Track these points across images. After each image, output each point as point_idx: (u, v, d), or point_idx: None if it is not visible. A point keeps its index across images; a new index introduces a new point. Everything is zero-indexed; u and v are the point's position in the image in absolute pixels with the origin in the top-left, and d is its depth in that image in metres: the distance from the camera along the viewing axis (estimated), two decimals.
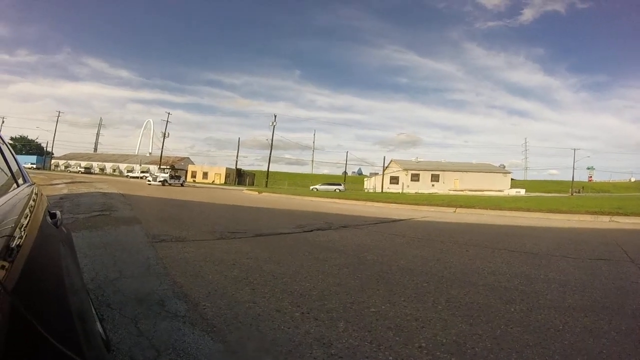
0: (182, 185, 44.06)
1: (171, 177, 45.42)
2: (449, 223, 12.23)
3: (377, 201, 21.77)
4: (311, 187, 57.98)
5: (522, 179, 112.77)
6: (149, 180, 43.76)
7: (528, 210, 16.11)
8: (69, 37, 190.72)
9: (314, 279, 4.51)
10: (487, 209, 17.05)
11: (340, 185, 58.91)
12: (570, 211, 15.30)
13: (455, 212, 16.89)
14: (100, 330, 1.87)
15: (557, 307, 3.76)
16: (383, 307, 3.60)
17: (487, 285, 4.53)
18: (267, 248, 6.46)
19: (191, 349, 2.56)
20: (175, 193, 25.88)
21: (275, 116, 65.78)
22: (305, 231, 8.70)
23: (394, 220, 12.26)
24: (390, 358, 2.55)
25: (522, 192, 63.65)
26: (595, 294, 4.25)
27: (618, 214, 13.85)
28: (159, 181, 41.95)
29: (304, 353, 2.55)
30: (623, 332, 3.14)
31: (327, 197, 24.90)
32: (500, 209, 16.75)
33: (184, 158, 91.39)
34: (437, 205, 18.62)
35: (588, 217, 14.00)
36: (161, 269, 4.74)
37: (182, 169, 72.63)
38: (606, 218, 13.58)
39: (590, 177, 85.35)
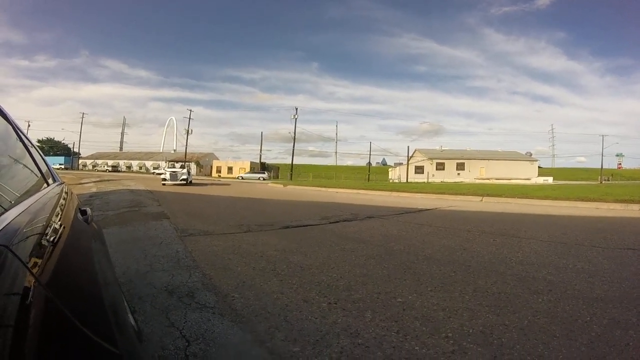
0: (185, 182, 28.73)
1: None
2: (475, 212, 12.04)
3: (403, 191, 21.67)
4: (237, 176, 67.32)
5: (550, 166, 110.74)
6: (164, 180, 28.28)
7: (556, 198, 15.80)
8: (85, 41, 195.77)
9: (341, 270, 4.53)
10: (514, 197, 16.80)
11: (264, 173, 68.13)
12: (599, 199, 14.86)
13: (481, 200, 16.66)
14: (132, 321, 1.88)
15: (585, 297, 3.70)
16: (410, 297, 3.60)
17: (514, 275, 4.48)
18: (293, 240, 6.50)
19: (220, 338, 2.62)
20: (199, 187, 26.31)
21: (296, 109, 65.58)
22: (331, 222, 8.73)
23: (420, 210, 12.18)
24: (417, 348, 2.55)
25: (550, 180, 62.54)
26: (624, 284, 4.16)
27: None
28: (168, 179, 28.05)
29: (331, 342, 2.57)
30: None
31: (353, 189, 24.76)
32: (528, 198, 16.51)
33: (208, 154, 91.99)
34: (463, 194, 18.40)
35: (617, 206, 13.59)
36: (190, 262, 4.83)
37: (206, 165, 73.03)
38: (636, 207, 13.10)
39: (620, 164, 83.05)
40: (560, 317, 3.19)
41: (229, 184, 34.50)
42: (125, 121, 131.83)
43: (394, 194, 20.94)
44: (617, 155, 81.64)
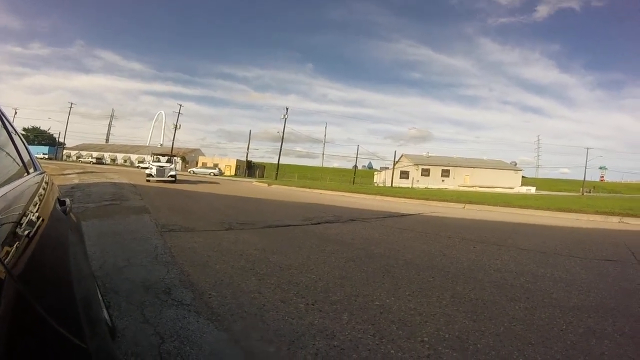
0: (174, 180, 24.71)
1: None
2: (457, 219, 12.16)
3: (387, 195, 21.70)
4: (189, 170, 67.83)
5: (534, 176, 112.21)
6: (149, 175, 24.20)
7: (537, 208, 15.98)
8: (82, 30, 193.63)
9: (320, 271, 4.53)
10: (496, 205, 16.99)
11: (215, 169, 69.31)
12: (580, 211, 15.10)
13: (464, 208, 16.79)
14: (107, 317, 1.89)
15: (561, 306, 3.76)
16: (387, 300, 3.62)
17: (492, 282, 4.53)
18: (274, 240, 6.49)
19: (195, 336, 2.60)
20: (184, 183, 26.17)
21: (287, 109, 65.49)
22: (313, 224, 8.72)
23: (403, 215, 12.23)
24: (392, 351, 2.57)
25: (533, 190, 63.43)
26: (600, 294, 4.23)
27: (628, 215, 13.67)
28: (153, 175, 24.08)
29: (307, 344, 2.58)
30: (626, 334, 3.13)
31: (337, 191, 24.71)
32: (510, 206, 16.69)
33: (195, 149, 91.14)
34: (447, 200, 18.52)
35: (597, 218, 13.81)
36: (169, 257, 4.79)
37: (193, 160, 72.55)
38: (616, 219, 13.39)
39: (602, 176, 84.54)
40: (537, 324, 3.23)
41: (216, 182, 34.24)
42: (113, 113, 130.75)
43: (378, 197, 20.99)
44: (600, 168, 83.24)
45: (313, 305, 3.35)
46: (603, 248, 7.39)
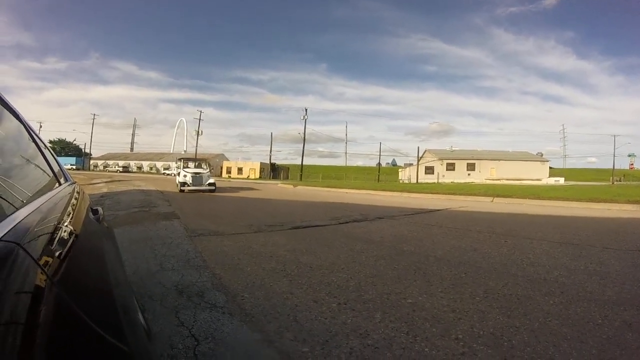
0: (213, 188, 21.16)
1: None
2: (486, 213, 12.02)
3: (413, 192, 21.66)
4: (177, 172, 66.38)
5: (561, 167, 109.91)
6: (182, 185, 20.43)
7: (567, 199, 15.72)
8: (96, 42, 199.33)
9: (351, 270, 4.53)
10: (525, 198, 16.73)
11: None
12: (611, 200, 14.76)
13: (492, 201, 16.60)
14: (142, 320, 1.89)
15: (596, 300, 3.69)
16: (420, 298, 3.60)
17: (525, 276, 4.46)
18: (303, 240, 6.51)
19: (229, 338, 2.63)
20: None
21: (306, 110, 65.58)
22: (340, 223, 8.73)
23: (431, 211, 12.18)
24: (427, 349, 2.55)
25: (561, 180, 61.94)
26: (635, 287, 4.14)
27: None
28: (189, 183, 20.47)
29: (341, 343, 2.57)
30: None
31: (362, 189, 24.68)
32: (539, 199, 16.38)
33: (218, 154, 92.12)
34: (474, 194, 18.36)
35: (630, 207, 13.44)
36: (200, 261, 4.85)
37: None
38: None
39: (632, 164, 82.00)
40: (572, 319, 3.17)
41: (250, 188, 34.30)
42: (135, 122, 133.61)
43: (404, 194, 20.93)
44: (630, 156, 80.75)
45: (345, 304, 3.35)
46: (637, 238, 7.20)
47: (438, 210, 12.49)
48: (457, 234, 7.35)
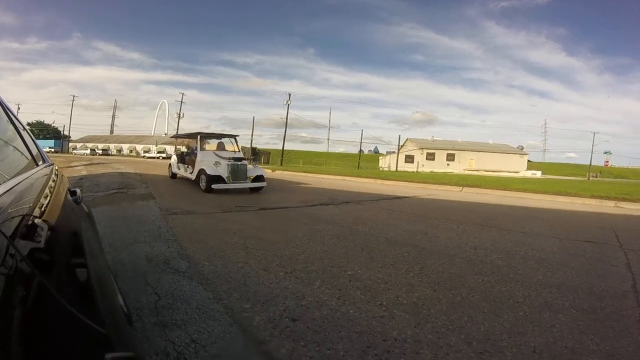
0: (263, 184, 12.93)
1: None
2: (451, 201, 12.53)
3: (388, 179, 21.98)
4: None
5: (540, 161, 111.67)
6: (212, 181, 11.77)
7: (534, 191, 16.23)
8: (78, 22, 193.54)
9: (305, 246, 5.02)
10: (493, 189, 17.22)
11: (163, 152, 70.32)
12: (576, 194, 15.35)
13: (461, 191, 17.10)
14: (122, 303, 1.89)
15: (524, 281, 4.02)
16: (359, 271, 4.06)
17: (464, 258, 4.86)
18: (268, 220, 7.00)
19: (186, 295, 3.13)
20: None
21: (289, 95, 65.24)
22: (308, 205, 9.20)
23: (398, 197, 12.61)
24: (351, 312, 2.99)
25: (538, 174, 63.07)
26: (568, 273, 4.44)
27: (625, 199, 13.77)
28: (226, 177, 12.11)
29: (278, 302, 3.07)
30: (583, 310, 3.32)
31: (340, 175, 24.74)
32: (507, 190, 16.94)
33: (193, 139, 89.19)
34: (446, 184, 18.82)
35: (593, 202, 13.98)
36: (170, 236, 5.31)
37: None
38: (611, 203, 13.55)
39: (607, 161, 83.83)
40: (494, 296, 3.53)
41: None
42: (116, 104, 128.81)
43: (379, 181, 21.30)
44: (605, 153, 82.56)
45: (291, 273, 3.85)
46: (588, 230, 7.55)
47: (405, 197, 12.93)
48: (414, 219, 7.82)
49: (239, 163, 12.64)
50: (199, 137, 14.08)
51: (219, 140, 15.25)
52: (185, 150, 17.12)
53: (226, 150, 14.54)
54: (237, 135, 16.10)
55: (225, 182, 11.96)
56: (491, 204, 12.10)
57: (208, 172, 11.85)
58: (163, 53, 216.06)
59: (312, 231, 6.03)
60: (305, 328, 2.64)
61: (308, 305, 3.08)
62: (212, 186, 11.62)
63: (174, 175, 16.50)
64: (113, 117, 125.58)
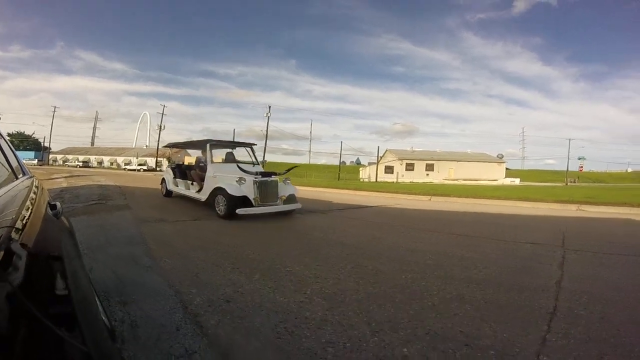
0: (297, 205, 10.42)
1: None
2: (415, 210, 12.99)
3: (363, 190, 22.47)
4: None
5: (519, 168, 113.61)
6: (235, 203, 8.94)
7: (500, 198, 16.84)
8: (61, 32, 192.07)
9: (258, 249, 5.68)
10: (461, 197, 17.73)
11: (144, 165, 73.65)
12: (541, 200, 15.83)
13: (430, 200, 17.49)
14: (105, 319, 1.89)
15: (448, 278, 4.36)
16: (297, 268, 4.62)
17: (397, 259, 5.26)
18: (231, 227, 7.66)
19: (144, 282, 3.89)
20: None
21: (269, 107, 66.27)
22: (272, 215, 9.62)
23: (364, 207, 13.24)
24: (279, 298, 3.55)
25: (517, 181, 64.08)
26: (497, 271, 4.76)
27: (587, 203, 14.38)
28: (248, 200, 9.17)
29: (220, 290, 3.74)
30: (493, 302, 3.64)
31: (316, 187, 24.87)
32: (474, 197, 17.47)
33: (180, 150, 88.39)
34: (416, 193, 19.29)
35: (557, 206, 14.51)
36: (140, 240, 6.00)
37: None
38: (574, 207, 14.07)
39: (581, 167, 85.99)
40: (411, 289, 3.92)
41: None
42: (97, 115, 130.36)
43: (354, 192, 21.70)
44: (579, 159, 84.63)
45: (238, 269, 4.50)
46: (537, 233, 7.91)
47: (372, 206, 13.55)
48: (370, 226, 8.42)
49: (269, 179, 9.78)
50: (208, 145, 11.16)
51: (228, 150, 12.49)
52: (183, 162, 14.15)
53: (244, 162, 11.43)
54: (254, 144, 12.93)
55: (252, 205, 9.19)
56: (452, 212, 12.56)
57: (230, 192, 9.04)
58: (145, 64, 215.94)
59: (269, 237, 6.76)
60: (235, 307, 3.30)
61: (244, 292, 3.69)
62: (237, 211, 8.87)
63: (169, 193, 13.75)
64: (94, 128, 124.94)
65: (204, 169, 11.36)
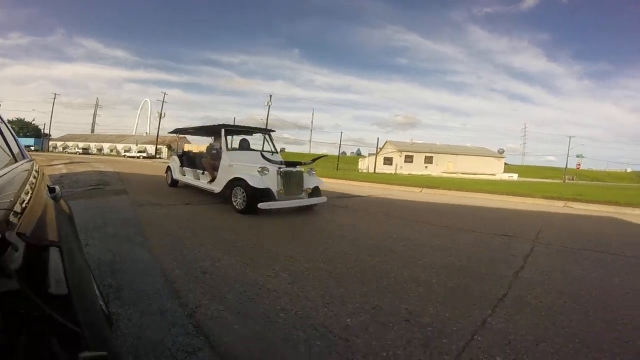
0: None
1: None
2: (402, 200, 13.21)
3: (357, 180, 22.69)
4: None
5: (520, 164, 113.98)
6: (256, 197, 8.09)
7: (487, 192, 17.09)
8: (62, 19, 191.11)
9: (241, 231, 6.16)
10: (451, 189, 18.06)
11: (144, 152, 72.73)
12: (528, 195, 16.12)
13: (420, 191, 17.78)
14: (102, 304, 1.90)
15: (411, 263, 4.64)
16: (274, 248, 5.06)
17: (368, 244, 5.57)
18: (221, 212, 8.11)
19: (134, 256, 4.40)
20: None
21: (270, 96, 66.54)
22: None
23: (354, 196, 13.48)
24: (248, 272, 3.98)
25: (515, 176, 64.62)
26: (462, 258, 5.01)
27: (575, 200, 14.48)
28: (271, 193, 8.34)
29: (200, 263, 4.22)
30: (447, 286, 3.88)
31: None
32: (463, 190, 17.78)
33: (181, 137, 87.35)
34: (408, 185, 19.56)
35: (543, 202, 14.77)
36: (135, 221, 6.49)
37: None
38: (561, 203, 14.27)
39: (579, 164, 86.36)
40: (373, 271, 4.23)
41: None
42: (97, 102, 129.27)
43: (348, 182, 21.92)
44: (577, 156, 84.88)
45: (219, 248, 4.95)
46: (515, 226, 8.07)
47: (361, 196, 13.77)
48: (353, 215, 8.72)
49: (294, 170, 8.85)
50: (223, 131, 9.99)
51: (242, 137, 11.18)
52: (189, 150, 13.84)
53: (265, 151, 10.63)
54: (273, 130, 11.90)
55: (275, 199, 8.34)
56: (438, 203, 12.81)
57: (251, 183, 8.14)
58: (147, 51, 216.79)
59: (254, 221, 7.18)
60: (208, 278, 3.79)
61: (220, 265, 4.15)
62: (260, 205, 7.88)
63: (174, 183, 12.93)
64: (94, 115, 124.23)
65: (216, 157, 10.31)
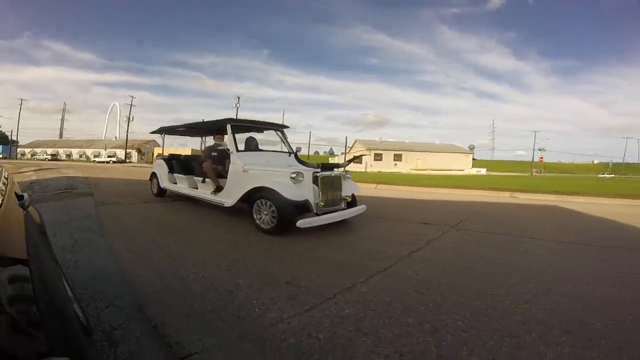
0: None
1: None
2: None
3: None
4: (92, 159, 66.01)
5: (489, 159, 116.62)
6: (290, 211, 6.12)
7: (437, 186, 18.15)
8: (28, 21, 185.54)
9: (196, 227, 6.71)
10: (404, 185, 18.97)
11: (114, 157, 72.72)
12: (476, 187, 17.12)
13: (375, 187, 18.57)
14: (80, 314, 1.89)
15: (321, 244, 5.31)
16: (210, 234, 6.06)
17: (320, 237, 5.89)
18: (178, 209, 8.85)
19: (94, 243, 5.27)
20: (135, 173, 26.40)
21: (238, 98, 66.75)
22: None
23: None
24: (183, 250, 4.84)
25: (483, 171, 65.86)
26: (369, 243, 5.53)
27: (521, 190, 15.34)
28: (309, 203, 6.34)
29: (142, 243, 5.23)
30: (338, 261, 4.43)
31: None
32: (415, 185, 18.70)
33: (150, 141, 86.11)
34: (366, 182, 20.17)
35: (491, 193, 15.50)
36: (95, 217, 7.35)
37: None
38: (507, 194, 15.07)
39: (542, 157, 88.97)
40: (280, 253, 4.87)
41: None
42: (65, 107, 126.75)
43: None
44: (540, 150, 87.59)
45: (176, 241, 5.45)
46: (441, 215, 8.51)
47: None
48: None
49: (333, 174, 6.83)
50: (229, 126, 7.83)
51: (250, 135, 8.67)
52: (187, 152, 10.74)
53: (281, 152, 8.96)
54: (287, 127, 9.53)
55: (314, 212, 6.41)
56: (381, 197, 13.48)
57: (285, 194, 6.14)
58: (115, 53, 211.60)
59: (205, 219, 7.86)
60: (147, 253, 4.75)
61: (177, 256, 4.62)
62: (298, 224, 5.95)
63: (161, 192, 10.79)
64: (62, 120, 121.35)
65: (219, 161, 8.53)
